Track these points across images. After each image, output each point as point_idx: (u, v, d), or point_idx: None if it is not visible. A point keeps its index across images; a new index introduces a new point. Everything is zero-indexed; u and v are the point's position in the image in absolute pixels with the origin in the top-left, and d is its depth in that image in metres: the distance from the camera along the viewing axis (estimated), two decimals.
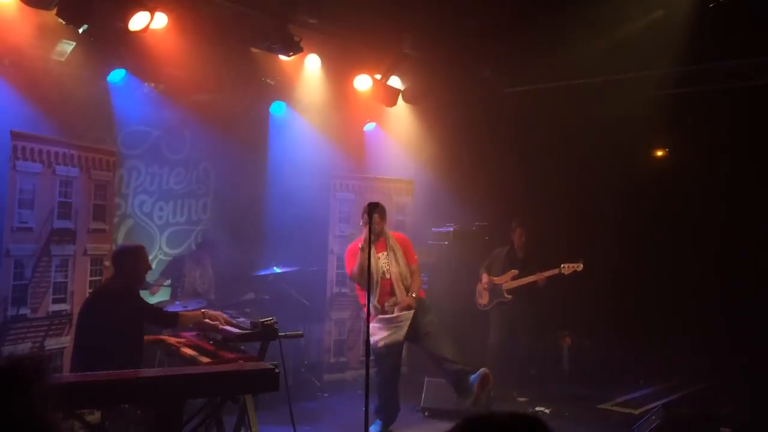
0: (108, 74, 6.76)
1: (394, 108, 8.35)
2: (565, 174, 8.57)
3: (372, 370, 5.09)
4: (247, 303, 7.20)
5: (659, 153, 9.34)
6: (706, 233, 8.14)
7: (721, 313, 7.77)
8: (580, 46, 7.37)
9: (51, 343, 5.84)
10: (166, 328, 5.15)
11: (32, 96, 6.06)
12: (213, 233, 7.95)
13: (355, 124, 8.67)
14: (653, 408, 6.08)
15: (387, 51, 7.90)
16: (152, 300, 6.92)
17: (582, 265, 7.22)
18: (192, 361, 4.63)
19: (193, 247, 7.80)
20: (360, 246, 5.94)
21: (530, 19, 7.09)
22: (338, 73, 7.84)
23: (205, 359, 4.57)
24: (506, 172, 8.59)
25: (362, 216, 5.82)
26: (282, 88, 7.79)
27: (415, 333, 6.10)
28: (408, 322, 6.04)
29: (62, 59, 6.21)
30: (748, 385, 6.98)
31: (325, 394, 7.36)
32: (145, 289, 6.42)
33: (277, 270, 7.27)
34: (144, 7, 5.60)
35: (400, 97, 8.27)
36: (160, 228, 7.78)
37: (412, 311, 6.09)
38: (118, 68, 6.75)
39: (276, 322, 4.66)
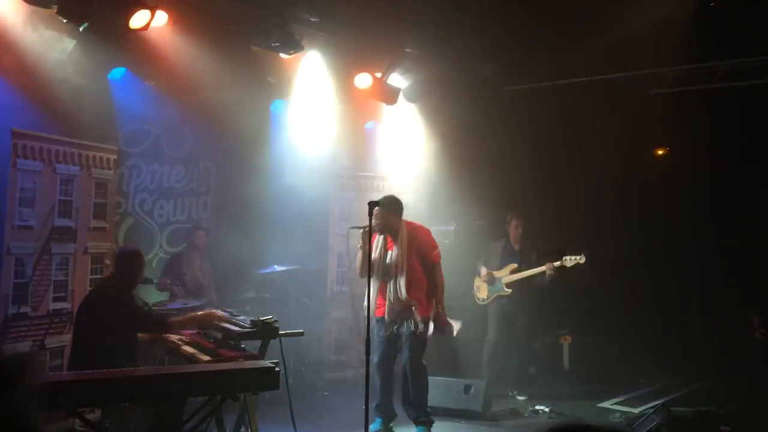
0: (109, 72, 6.76)
1: (395, 106, 8.34)
2: (566, 172, 8.58)
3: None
4: (248, 301, 7.21)
5: (660, 152, 9.35)
6: (708, 232, 8.15)
7: (721, 312, 7.78)
8: (581, 44, 7.37)
9: (52, 342, 5.85)
10: (157, 333, 5.06)
11: (33, 94, 6.06)
12: (213, 231, 7.95)
13: (355, 123, 8.65)
14: (654, 406, 6.09)
15: (388, 49, 7.90)
16: (155, 298, 6.92)
17: (584, 257, 7.20)
18: (192, 359, 4.63)
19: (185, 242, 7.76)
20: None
21: (531, 17, 7.09)
22: (339, 71, 7.84)
23: (205, 357, 4.57)
24: (507, 170, 8.59)
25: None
26: (283, 87, 7.79)
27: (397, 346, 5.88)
28: (411, 333, 5.77)
29: (63, 57, 6.21)
30: (748, 383, 6.98)
31: (326, 393, 7.36)
32: (147, 283, 6.39)
33: (278, 268, 7.27)
34: (145, 5, 5.59)
35: (400, 96, 8.26)
36: (161, 226, 7.77)
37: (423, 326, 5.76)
38: (119, 66, 6.75)
39: (276, 321, 4.66)
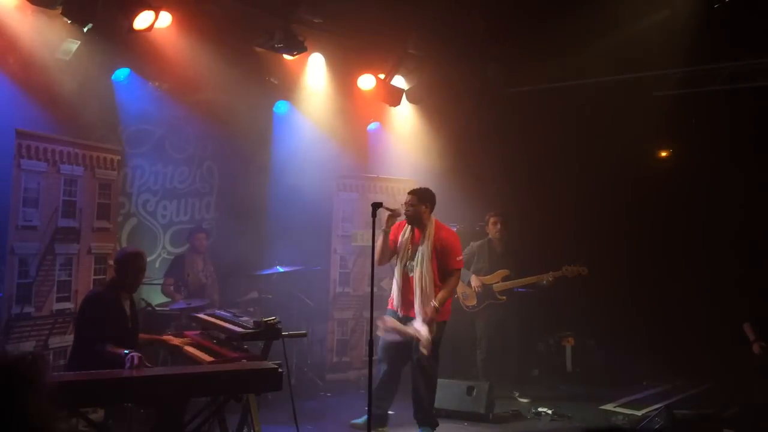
0: (112, 73, 6.79)
1: (398, 108, 8.34)
2: (569, 174, 8.57)
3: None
4: (251, 302, 7.21)
5: (663, 154, 9.34)
6: (711, 234, 8.13)
7: (724, 314, 7.76)
8: (585, 46, 7.37)
9: (55, 342, 5.86)
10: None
11: (37, 95, 6.08)
12: (216, 232, 7.96)
13: (358, 124, 8.66)
14: (656, 409, 6.08)
15: (391, 50, 7.90)
16: (160, 300, 6.93)
17: (587, 270, 7.15)
18: (195, 359, 4.63)
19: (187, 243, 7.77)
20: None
21: (535, 18, 7.09)
22: (342, 72, 7.84)
23: (208, 358, 4.57)
24: (510, 172, 8.59)
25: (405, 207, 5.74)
26: (286, 88, 7.80)
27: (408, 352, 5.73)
28: (426, 343, 5.52)
29: (67, 58, 6.23)
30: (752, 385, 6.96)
31: (328, 394, 7.36)
32: (149, 284, 6.39)
33: (281, 269, 7.28)
34: (149, 7, 5.60)
35: (404, 97, 8.26)
36: (164, 227, 7.79)
37: (427, 328, 5.52)
38: (123, 67, 6.78)
39: (279, 322, 4.66)
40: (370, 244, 5.11)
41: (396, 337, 5.68)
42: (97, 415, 4.57)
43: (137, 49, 6.29)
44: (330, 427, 6.29)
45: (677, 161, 9.02)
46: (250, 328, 4.65)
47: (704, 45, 7.11)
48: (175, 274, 7.13)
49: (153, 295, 6.92)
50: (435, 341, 5.63)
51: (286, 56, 7.16)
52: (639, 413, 6.70)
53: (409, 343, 5.68)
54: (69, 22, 5.52)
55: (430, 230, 5.75)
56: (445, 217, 8.40)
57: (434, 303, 5.58)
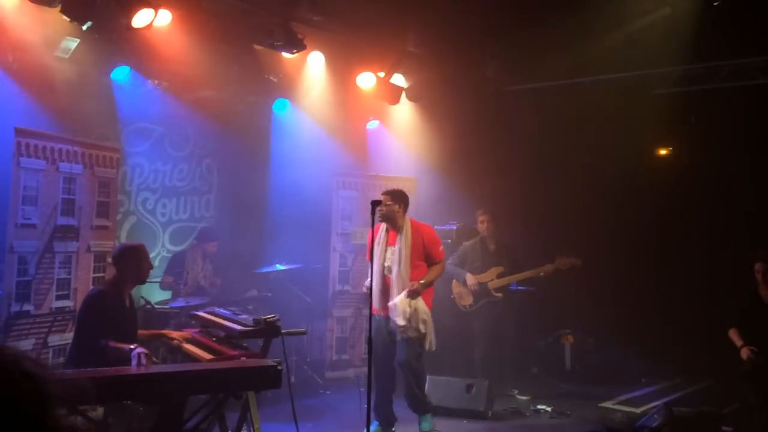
0: (112, 71, 6.78)
1: (397, 106, 8.34)
2: (568, 172, 8.57)
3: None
4: (250, 300, 7.22)
5: (663, 152, 9.33)
6: (710, 232, 8.13)
7: (723, 312, 7.76)
8: (584, 44, 7.36)
9: (54, 340, 5.87)
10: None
11: (36, 93, 6.08)
12: (216, 230, 7.96)
13: (358, 122, 8.67)
14: (655, 406, 6.09)
15: (390, 48, 7.90)
16: (159, 297, 6.94)
17: (580, 261, 7.17)
18: (194, 357, 4.64)
19: (194, 242, 7.80)
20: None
21: (534, 16, 7.08)
22: (341, 70, 7.84)
23: (207, 356, 4.57)
24: (510, 170, 8.59)
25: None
26: (285, 86, 7.79)
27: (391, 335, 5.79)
28: (401, 312, 5.62)
29: (66, 56, 6.23)
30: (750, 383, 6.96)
31: (327, 392, 7.37)
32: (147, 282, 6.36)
33: (280, 267, 7.28)
34: (148, 4, 5.60)
35: (403, 95, 8.26)
36: (164, 225, 7.79)
37: (409, 300, 5.62)
38: (122, 65, 6.78)
39: (278, 319, 4.67)
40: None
41: (380, 339, 5.74)
42: (97, 412, 4.57)
43: (137, 46, 6.28)
44: (329, 425, 6.30)
45: (676, 159, 9.01)
46: (249, 326, 4.65)
47: (704, 43, 7.10)
48: (175, 271, 7.14)
49: (152, 293, 6.93)
50: (417, 351, 5.76)
51: (285, 54, 7.16)
52: (638, 411, 6.71)
53: (393, 342, 5.79)
54: (68, 19, 5.52)
55: (407, 230, 5.85)
56: (445, 215, 8.45)
57: (421, 281, 5.73)
